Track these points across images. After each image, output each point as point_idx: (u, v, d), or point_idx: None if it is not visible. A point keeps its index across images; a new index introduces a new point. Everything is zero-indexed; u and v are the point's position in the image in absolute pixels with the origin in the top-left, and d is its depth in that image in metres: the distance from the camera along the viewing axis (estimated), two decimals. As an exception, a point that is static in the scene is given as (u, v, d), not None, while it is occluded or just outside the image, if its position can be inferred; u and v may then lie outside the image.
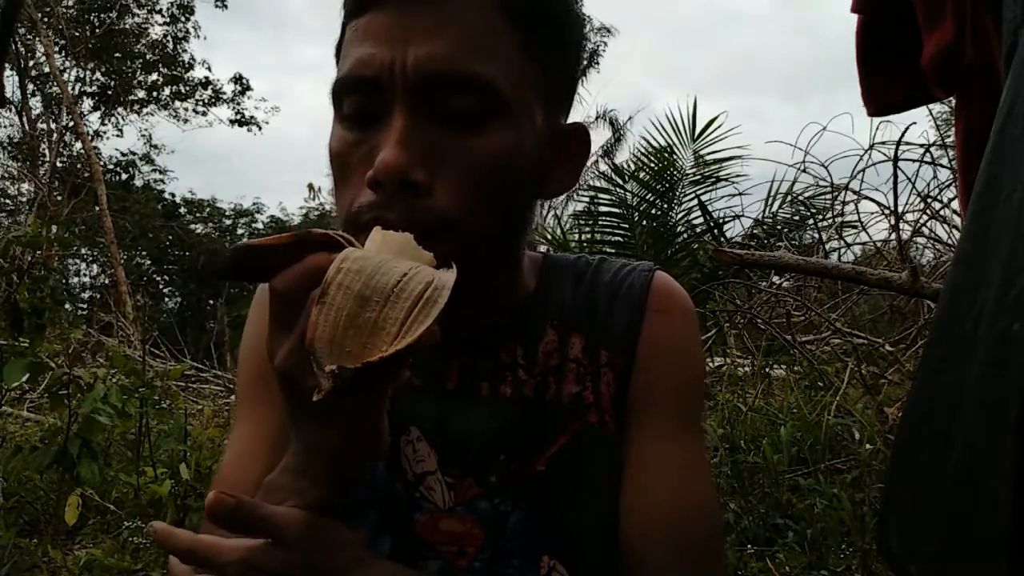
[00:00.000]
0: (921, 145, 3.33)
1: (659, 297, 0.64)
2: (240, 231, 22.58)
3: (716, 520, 0.62)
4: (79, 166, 16.84)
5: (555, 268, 0.67)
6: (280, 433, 0.65)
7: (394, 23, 0.50)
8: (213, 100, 18.47)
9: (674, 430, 0.61)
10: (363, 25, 0.52)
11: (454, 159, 0.51)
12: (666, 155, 4.69)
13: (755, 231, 4.52)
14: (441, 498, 0.63)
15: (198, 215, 22.29)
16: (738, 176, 4.62)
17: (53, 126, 16.41)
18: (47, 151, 16.35)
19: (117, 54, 17.26)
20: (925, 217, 3.59)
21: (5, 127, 16.83)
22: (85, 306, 15.44)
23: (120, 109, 18.20)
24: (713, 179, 4.66)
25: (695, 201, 4.64)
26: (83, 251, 17.75)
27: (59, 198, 15.84)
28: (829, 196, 4.06)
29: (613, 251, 4.75)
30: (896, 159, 2.88)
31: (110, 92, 17.73)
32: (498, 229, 0.54)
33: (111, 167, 19.39)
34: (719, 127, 4.71)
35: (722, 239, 4.41)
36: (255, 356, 0.68)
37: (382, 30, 0.51)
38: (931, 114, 3.57)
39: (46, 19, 15.11)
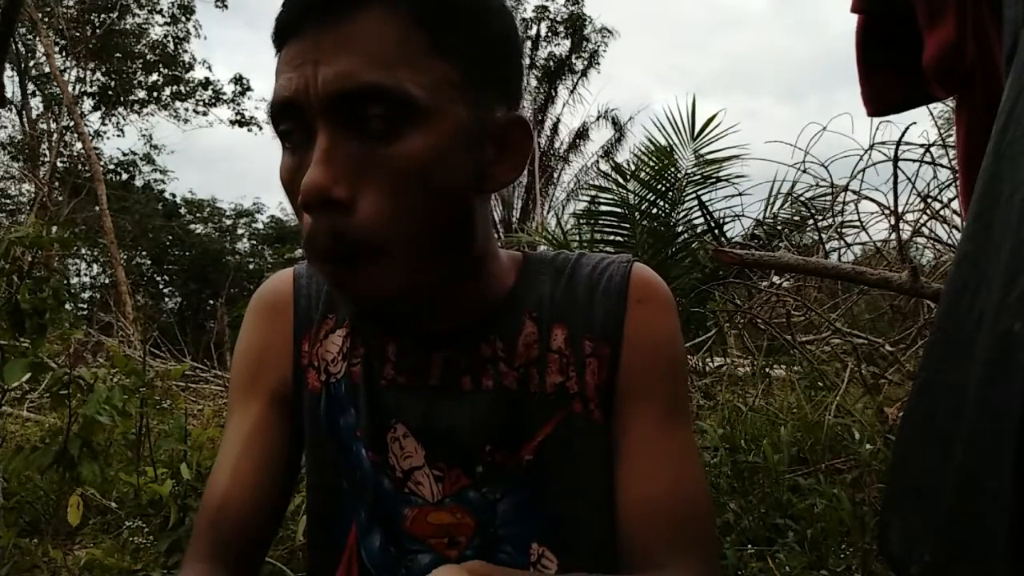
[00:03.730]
0: (921, 145, 3.33)
1: (640, 287, 0.65)
2: (240, 231, 22.60)
3: (708, 502, 0.63)
4: (79, 166, 16.84)
5: (534, 264, 0.68)
6: (255, 427, 0.67)
7: (306, 48, 0.52)
8: (213, 100, 18.47)
9: (665, 417, 0.62)
10: (283, 55, 0.54)
11: (374, 171, 0.51)
12: (666, 154, 4.69)
13: (756, 231, 4.52)
14: (430, 491, 0.64)
15: (198, 215, 22.28)
16: (738, 176, 4.62)
17: (53, 126, 16.42)
18: (47, 151, 16.35)
19: (117, 54, 17.25)
20: (925, 217, 3.59)
21: (5, 127, 16.86)
22: (85, 306, 15.45)
23: (120, 109, 18.20)
24: (713, 179, 4.66)
25: (695, 201, 4.63)
26: (83, 251, 17.75)
27: (59, 198, 15.84)
28: (829, 196, 4.06)
29: (613, 251, 4.75)
30: (896, 159, 2.87)
31: (110, 92, 17.73)
32: (429, 233, 0.54)
33: (112, 167, 19.39)
34: (718, 125, 4.71)
35: (722, 239, 4.41)
36: (244, 360, 0.70)
37: (297, 56, 0.52)
38: (931, 114, 3.57)
39: (46, 19, 15.10)
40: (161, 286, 21.22)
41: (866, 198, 3.74)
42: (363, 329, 0.67)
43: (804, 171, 3.97)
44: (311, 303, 0.70)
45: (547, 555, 0.64)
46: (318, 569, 0.69)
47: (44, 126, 16.91)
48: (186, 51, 17.82)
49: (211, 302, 18.89)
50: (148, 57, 17.71)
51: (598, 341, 0.64)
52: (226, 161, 38.20)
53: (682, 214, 4.78)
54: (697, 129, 4.72)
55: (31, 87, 16.94)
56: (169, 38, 17.50)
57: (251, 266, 21.22)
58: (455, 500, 0.64)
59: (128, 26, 17.11)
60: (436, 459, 0.64)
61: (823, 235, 3.95)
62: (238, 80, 18.33)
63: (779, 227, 4.48)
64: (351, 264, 0.53)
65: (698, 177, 4.69)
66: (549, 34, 18.35)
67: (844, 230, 3.95)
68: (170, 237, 20.34)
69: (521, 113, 0.60)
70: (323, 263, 0.53)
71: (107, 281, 18.08)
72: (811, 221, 4.34)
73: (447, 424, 0.63)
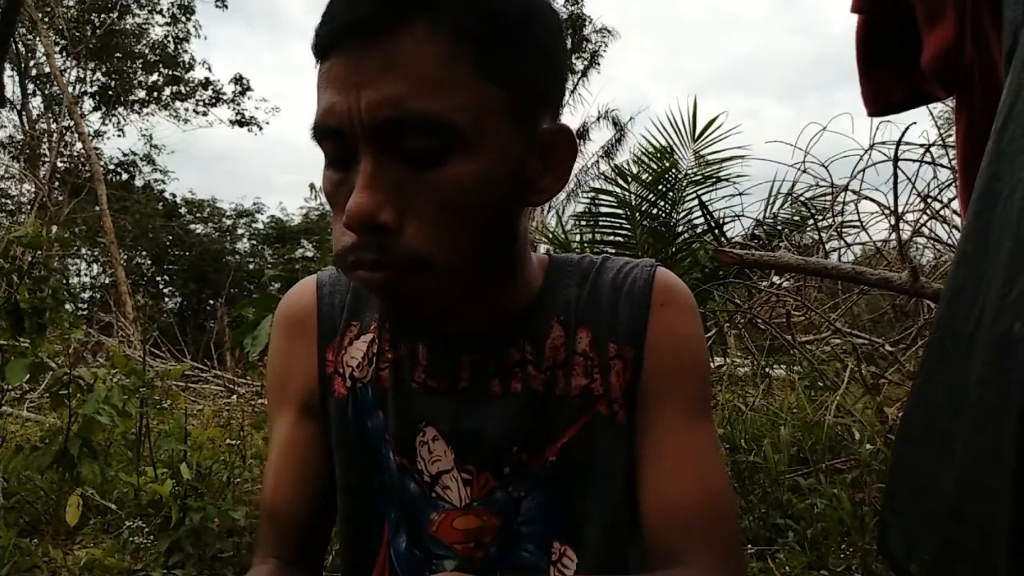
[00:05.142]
0: (921, 145, 3.34)
1: (663, 291, 0.65)
2: (240, 231, 22.61)
3: (731, 501, 0.63)
4: (79, 166, 16.84)
5: (560, 267, 0.69)
6: (287, 438, 0.69)
7: (349, 68, 0.51)
8: (213, 100, 18.49)
9: (689, 418, 0.63)
10: (326, 71, 0.53)
11: (420, 197, 0.51)
12: (667, 155, 4.68)
13: (756, 231, 4.52)
14: (457, 496, 0.65)
15: (198, 215, 22.29)
16: (738, 176, 4.61)
17: (53, 126, 16.43)
18: (47, 151, 16.36)
19: (118, 54, 17.27)
20: (925, 217, 3.59)
21: (5, 127, 16.86)
22: (85, 306, 15.46)
23: (121, 109, 18.22)
24: (714, 179, 4.65)
25: (696, 201, 4.63)
26: (83, 251, 17.76)
27: (59, 198, 15.84)
28: (829, 196, 4.05)
29: (614, 251, 4.74)
30: (896, 159, 2.87)
31: (110, 92, 17.74)
32: (475, 253, 0.54)
33: (112, 167, 19.40)
34: (719, 127, 4.71)
35: (723, 239, 4.41)
36: (272, 374, 0.73)
37: (340, 76, 0.51)
38: (931, 114, 3.57)
39: (46, 19, 15.10)
40: (161, 286, 21.22)
41: (866, 198, 3.75)
42: (397, 329, 0.68)
43: (804, 171, 3.97)
44: (334, 311, 0.70)
45: (568, 554, 0.65)
46: (352, 568, 0.70)
47: (44, 126, 16.92)
48: (186, 51, 17.86)
49: (211, 302, 18.90)
50: (148, 57, 17.73)
51: (622, 344, 0.64)
52: (226, 161, 38.21)
53: (682, 214, 4.78)
54: (698, 131, 4.72)
55: (31, 87, 16.97)
56: (169, 38, 17.54)
57: (251, 266, 21.23)
58: (483, 503, 0.65)
59: (128, 26, 17.13)
60: (466, 462, 0.64)
61: (823, 235, 3.94)
62: (238, 80, 18.36)
63: (779, 227, 4.48)
64: (399, 273, 0.53)
65: (699, 177, 4.69)
66: (549, 34, 18.30)
67: (844, 230, 3.95)
68: (170, 237, 20.35)
69: (565, 124, 0.59)
70: (363, 271, 0.53)
71: (107, 281, 18.10)
72: (811, 221, 4.34)
73: (477, 427, 0.64)
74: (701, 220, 4.66)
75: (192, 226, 21.79)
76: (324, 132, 0.53)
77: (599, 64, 18.38)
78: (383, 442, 0.67)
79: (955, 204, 3.37)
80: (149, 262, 20.85)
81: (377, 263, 0.52)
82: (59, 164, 16.42)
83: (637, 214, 4.71)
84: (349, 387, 0.68)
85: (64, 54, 16.06)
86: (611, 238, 4.89)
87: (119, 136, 25.11)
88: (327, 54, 0.53)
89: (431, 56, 0.50)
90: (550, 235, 5.47)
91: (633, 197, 4.75)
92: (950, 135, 3.38)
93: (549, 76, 0.57)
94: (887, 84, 0.96)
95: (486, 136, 0.52)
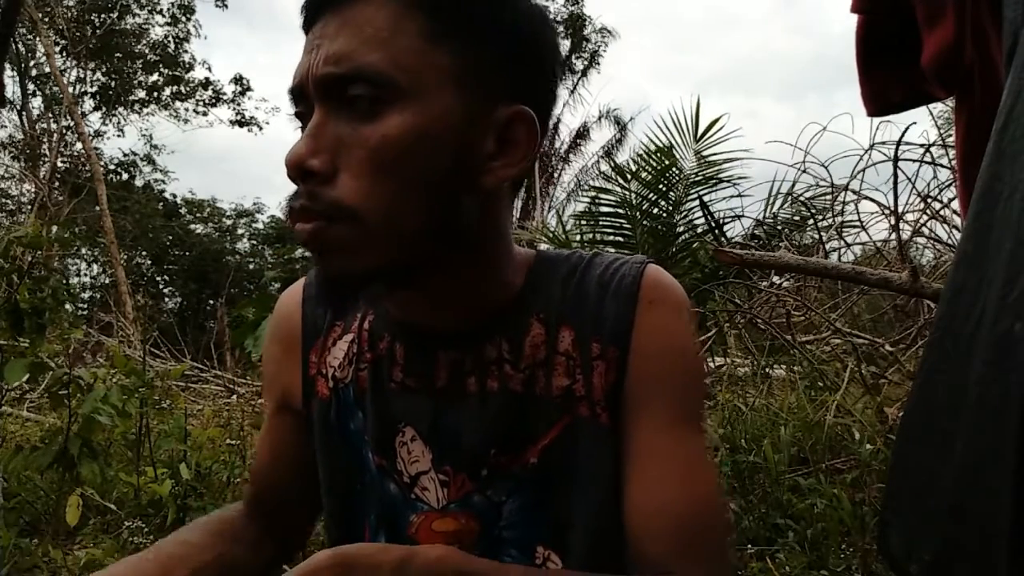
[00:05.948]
0: (921, 145, 3.33)
1: (652, 288, 0.63)
2: (240, 231, 22.61)
3: (719, 510, 0.61)
4: (79, 166, 16.84)
5: (546, 263, 0.67)
6: (266, 429, 0.76)
7: (315, 35, 0.56)
8: (214, 100, 18.49)
9: (675, 422, 0.60)
10: (304, 42, 0.58)
11: (355, 148, 0.53)
12: (668, 155, 4.68)
13: (756, 231, 4.52)
14: (435, 497, 0.64)
15: (198, 215, 22.29)
16: (739, 177, 4.62)
17: (53, 126, 16.43)
18: (48, 151, 16.36)
19: (118, 54, 17.27)
20: (925, 217, 3.59)
21: (5, 127, 16.86)
22: (85, 306, 15.46)
23: (120, 109, 18.22)
24: (715, 179, 4.66)
25: (696, 201, 4.63)
26: (83, 251, 17.77)
27: (60, 198, 15.84)
28: (829, 196, 4.05)
29: (615, 251, 4.74)
30: (896, 159, 2.87)
31: (111, 92, 17.74)
32: (404, 214, 0.54)
33: (112, 167, 19.40)
34: (721, 129, 4.71)
35: (723, 239, 4.41)
36: (263, 371, 0.78)
37: (308, 43, 0.56)
38: (931, 114, 3.56)
39: (46, 19, 15.10)
40: (161, 286, 21.21)
41: (866, 198, 3.74)
42: (327, 299, 0.69)
43: (804, 171, 3.96)
44: (318, 312, 0.71)
45: (552, 558, 0.63)
46: None
47: (44, 126, 16.91)
48: (186, 51, 17.86)
49: (211, 302, 18.91)
50: (148, 57, 17.73)
51: (606, 343, 0.62)
52: (226, 161, 38.18)
53: (683, 214, 4.79)
54: (700, 131, 4.72)
55: (31, 87, 16.96)
56: (169, 38, 17.54)
57: (251, 266, 21.24)
58: (461, 505, 0.64)
59: (128, 26, 17.13)
60: (443, 463, 0.64)
61: (823, 235, 3.94)
62: (238, 80, 18.36)
63: (779, 227, 4.48)
64: (325, 222, 0.53)
65: (700, 178, 4.69)
66: (549, 34, 18.30)
67: (844, 230, 3.95)
68: (170, 237, 20.35)
69: (527, 108, 0.57)
70: (298, 223, 0.55)
71: (107, 281, 18.10)
72: (811, 221, 4.34)
73: (454, 427, 0.63)
74: (701, 220, 4.66)
75: (192, 226, 21.78)
76: (291, 92, 0.57)
77: (599, 64, 18.39)
78: (363, 443, 0.67)
79: (955, 204, 3.37)
80: (149, 262, 20.85)
81: (304, 210, 0.54)
82: (59, 164, 16.41)
83: (638, 213, 4.71)
84: (331, 388, 0.68)
85: (64, 54, 16.06)
86: (612, 238, 4.89)
87: (119, 136, 25.14)
88: (307, 29, 0.58)
89: (381, 18, 0.53)
90: (550, 235, 5.48)
91: (634, 197, 4.75)
92: (950, 135, 3.38)
93: (515, 58, 0.57)
94: (887, 84, 0.96)
95: (425, 95, 0.53)
